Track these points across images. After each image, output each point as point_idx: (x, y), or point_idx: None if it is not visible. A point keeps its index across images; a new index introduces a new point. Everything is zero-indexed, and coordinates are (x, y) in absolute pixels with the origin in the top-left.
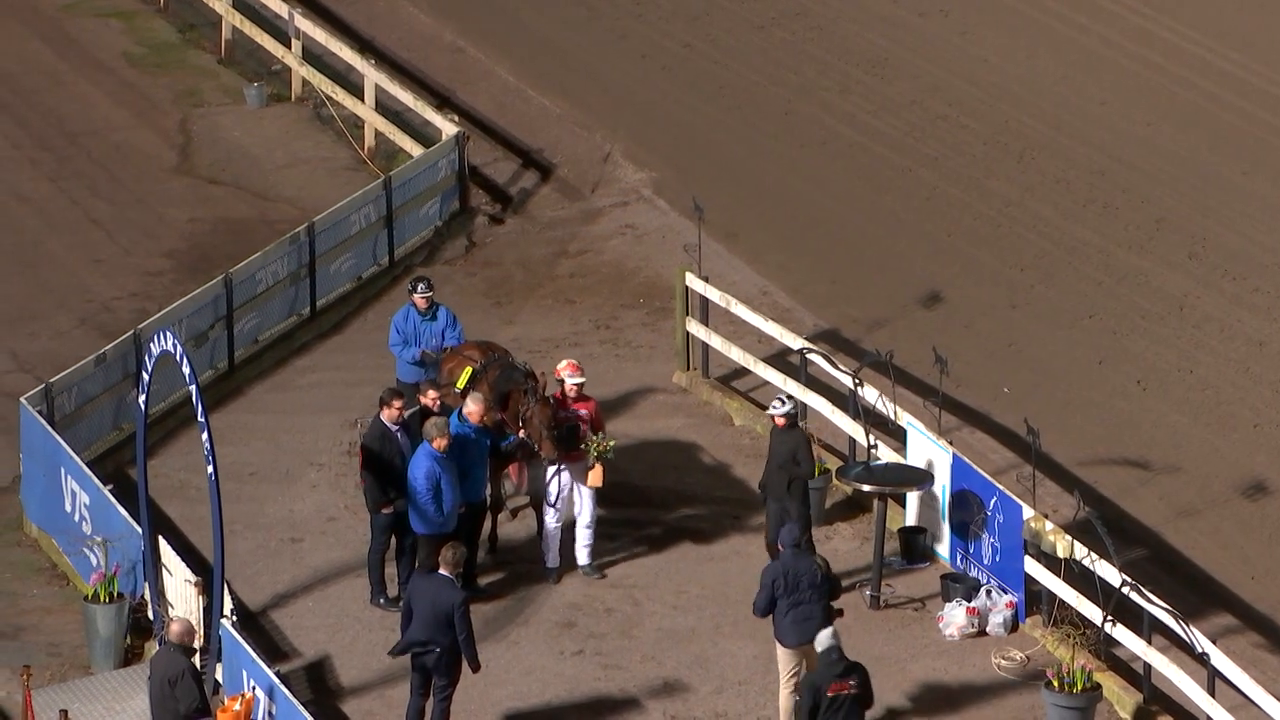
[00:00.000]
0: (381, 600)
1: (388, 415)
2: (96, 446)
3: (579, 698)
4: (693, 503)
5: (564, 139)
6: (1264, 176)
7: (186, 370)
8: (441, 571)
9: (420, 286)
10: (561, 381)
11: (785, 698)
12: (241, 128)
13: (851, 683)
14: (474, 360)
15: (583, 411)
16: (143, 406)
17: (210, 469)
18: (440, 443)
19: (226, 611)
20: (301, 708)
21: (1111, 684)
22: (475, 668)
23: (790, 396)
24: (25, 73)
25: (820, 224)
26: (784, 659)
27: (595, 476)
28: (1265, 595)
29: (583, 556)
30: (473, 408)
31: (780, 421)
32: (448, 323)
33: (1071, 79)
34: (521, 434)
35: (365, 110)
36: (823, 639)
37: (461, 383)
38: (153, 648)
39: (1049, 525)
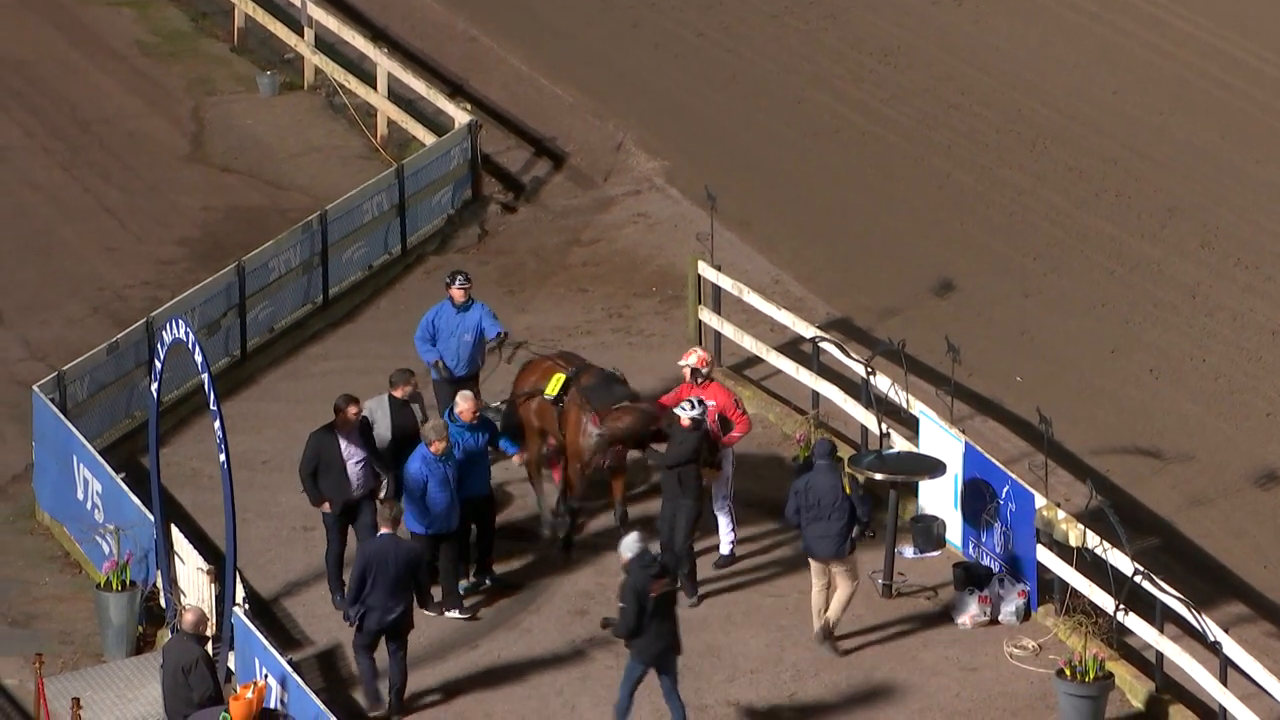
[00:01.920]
0: (338, 599)
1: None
2: (109, 435)
3: (590, 685)
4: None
5: (576, 127)
6: (1277, 165)
7: (199, 358)
8: (385, 530)
9: (459, 279)
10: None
11: (815, 596)
12: (254, 116)
13: (668, 580)
14: (564, 367)
15: (710, 403)
16: (155, 394)
17: (223, 457)
18: (437, 446)
19: (239, 600)
20: (314, 696)
21: (1124, 673)
22: (424, 605)
23: (701, 402)
24: (38, 61)
25: (833, 213)
26: (813, 567)
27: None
28: (1278, 584)
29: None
30: (463, 406)
31: (685, 423)
32: (482, 316)
33: (1084, 67)
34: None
35: (378, 99)
36: (629, 544)
37: (553, 389)
38: (165, 636)
39: (1061, 514)
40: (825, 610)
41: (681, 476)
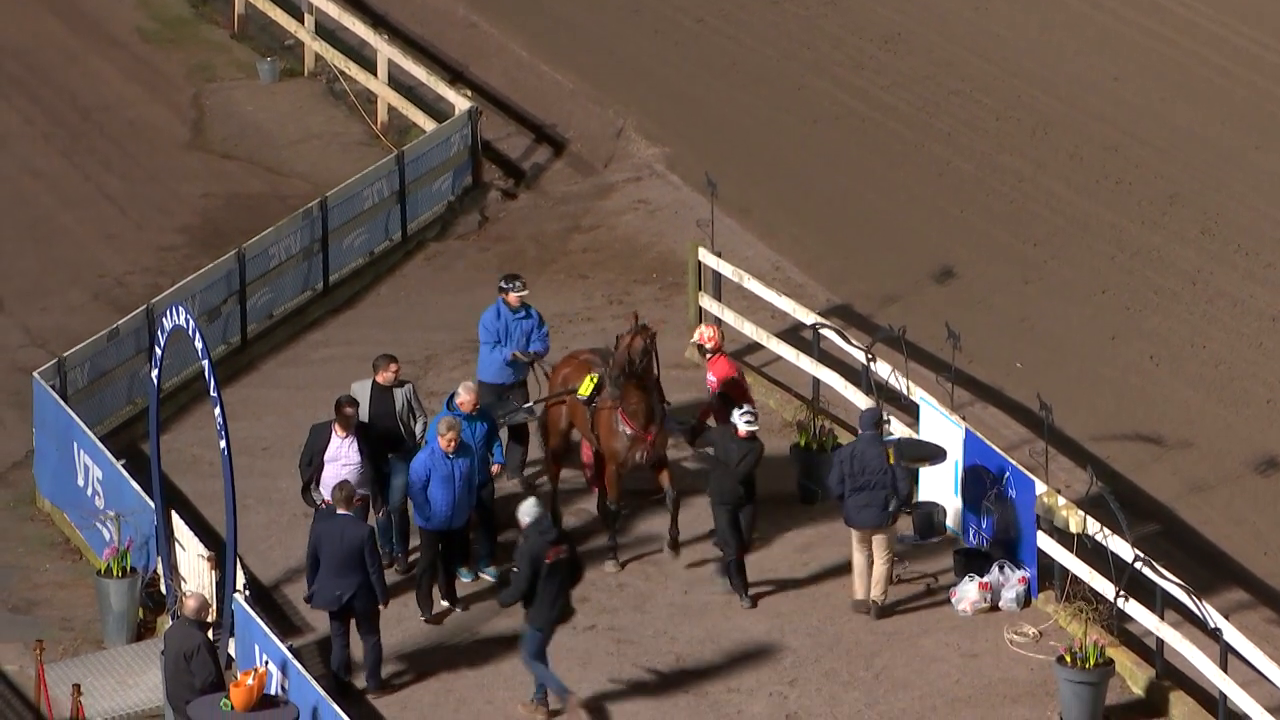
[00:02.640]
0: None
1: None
2: (109, 421)
3: (592, 672)
4: (704, 477)
5: (577, 114)
6: (1277, 152)
7: (199, 345)
8: (341, 511)
9: (516, 284)
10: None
11: (858, 564)
12: (254, 103)
13: (564, 547)
14: (597, 365)
15: (710, 376)
16: (156, 381)
17: (223, 443)
18: (447, 439)
19: (239, 586)
20: (314, 682)
21: (1124, 659)
22: (384, 602)
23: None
24: (38, 48)
25: (833, 199)
26: (854, 537)
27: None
28: (1278, 571)
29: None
30: (464, 396)
31: (743, 434)
32: (537, 323)
33: (1085, 54)
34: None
35: (378, 85)
36: (527, 509)
37: (585, 390)
38: (165, 622)
39: (1061, 500)
40: (868, 584)
41: (745, 481)
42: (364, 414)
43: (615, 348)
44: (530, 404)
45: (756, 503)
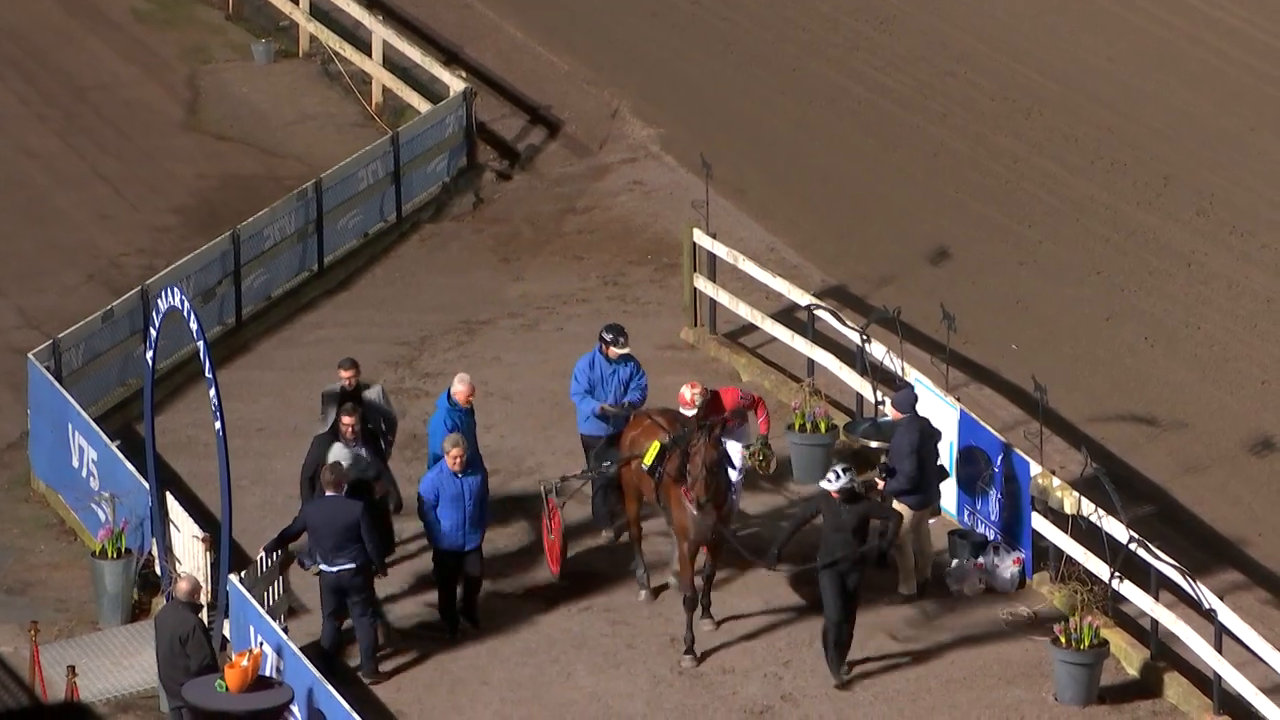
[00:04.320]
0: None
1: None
2: (104, 402)
3: (587, 653)
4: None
5: (572, 95)
6: (1271, 133)
7: (194, 326)
8: (330, 494)
9: (620, 340)
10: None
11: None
12: (249, 84)
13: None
14: (664, 432)
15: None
16: (150, 362)
17: (218, 424)
18: (453, 457)
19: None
20: (309, 663)
21: (1119, 640)
22: (383, 572)
23: (848, 469)
24: (34, 29)
25: (828, 180)
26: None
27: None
28: (1272, 552)
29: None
30: (459, 388)
31: (835, 495)
32: (633, 372)
33: (1079, 35)
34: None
35: (373, 66)
36: (337, 452)
37: (648, 459)
38: (160, 603)
39: (1056, 481)
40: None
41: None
42: (330, 416)
43: (682, 427)
44: (607, 465)
45: (864, 568)
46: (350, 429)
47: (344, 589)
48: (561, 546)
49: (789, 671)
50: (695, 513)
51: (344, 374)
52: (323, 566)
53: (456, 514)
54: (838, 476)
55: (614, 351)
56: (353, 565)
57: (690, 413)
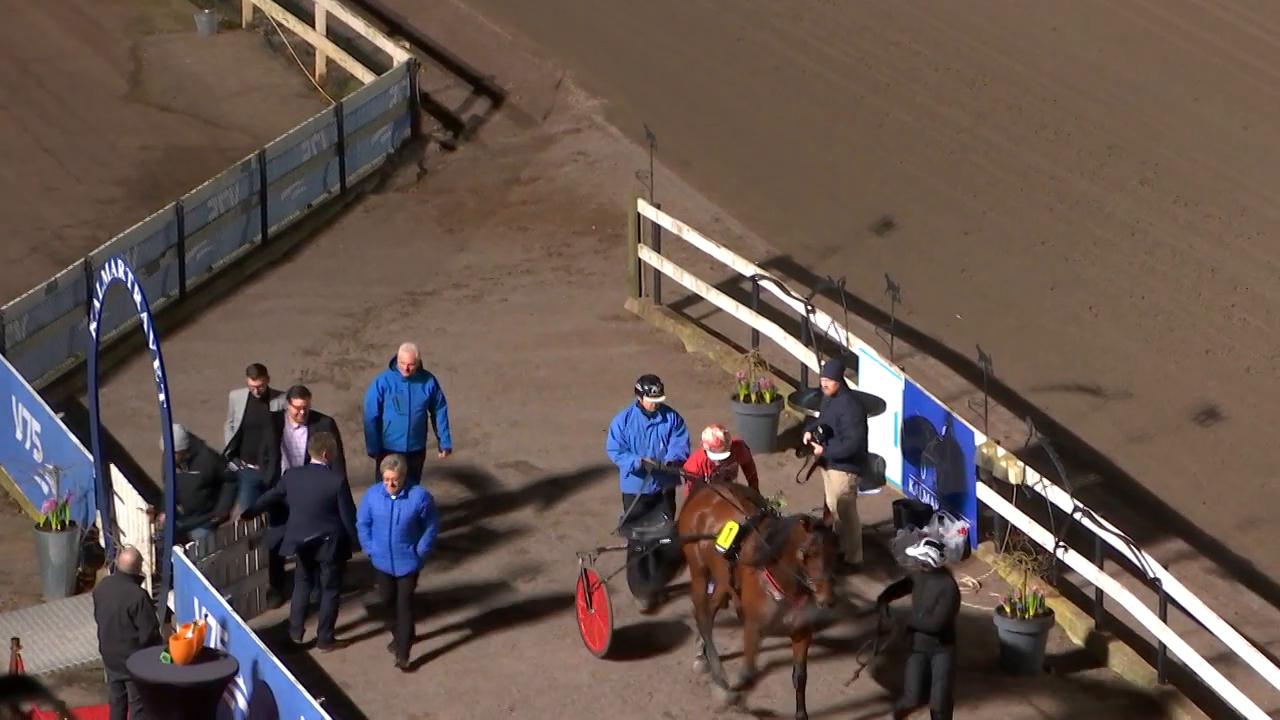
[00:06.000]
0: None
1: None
2: (48, 374)
3: (532, 623)
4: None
5: (516, 66)
6: (1215, 103)
7: (138, 298)
8: (315, 462)
9: (653, 389)
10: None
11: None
12: (192, 55)
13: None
14: (738, 511)
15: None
16: (94, 334)
17: (162, 396)
18: (387, 478)
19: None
20: (254, 635)
21: (1063, 609)
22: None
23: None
24: None
25: (773, 151)
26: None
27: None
28: (1216, 520)
29: None
30: (404, 357)
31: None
32: (674, 427)
33: (1023, 4)
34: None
35: (316, 37)
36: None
37: (726, 541)
38: (105, 575)
39: (1001, 451)
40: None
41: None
42: (238, 420)
43: (756, 505)
44: (665, 533)
45: (954, 652)
46: (299, 411)
47: (315, 559)
48: (608, 623)
49: (734, 643)
50: (777, 598)
51: (252, 382)
52: (295, 539)
53: (384, 536)
54: (931, 546)
55: (649, 402)
56: (326, 536)
57: (720, 455)
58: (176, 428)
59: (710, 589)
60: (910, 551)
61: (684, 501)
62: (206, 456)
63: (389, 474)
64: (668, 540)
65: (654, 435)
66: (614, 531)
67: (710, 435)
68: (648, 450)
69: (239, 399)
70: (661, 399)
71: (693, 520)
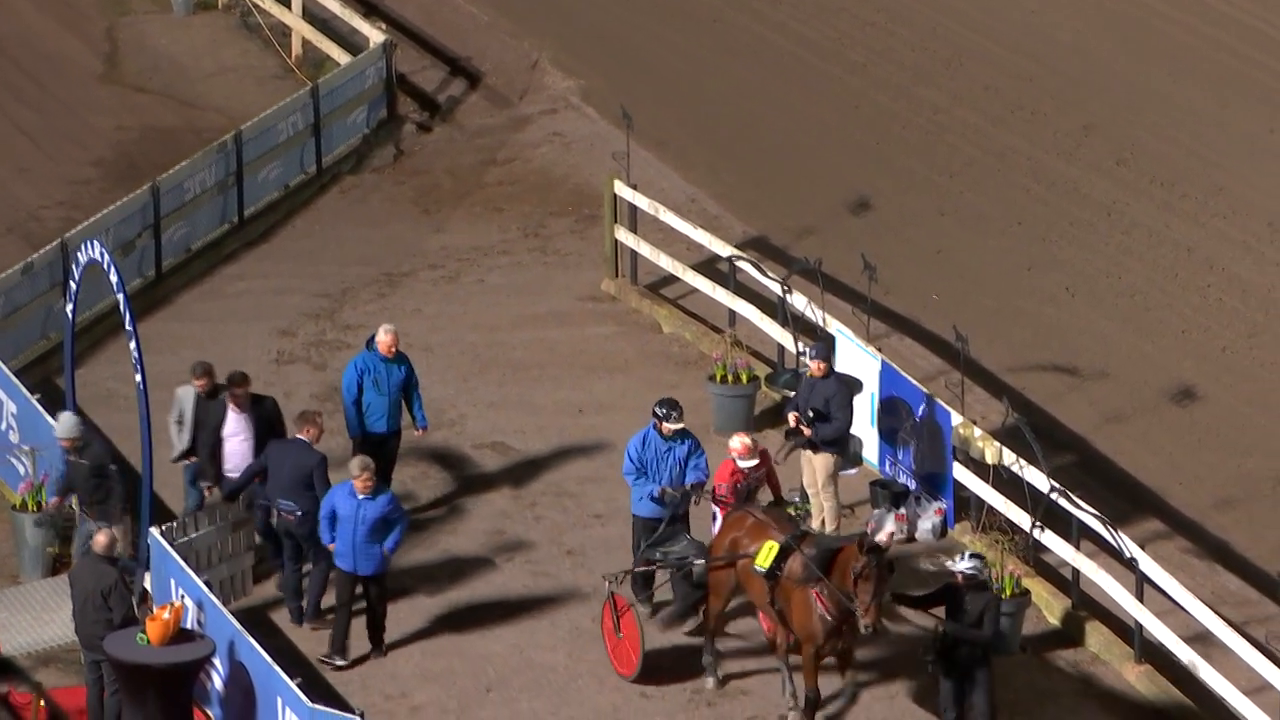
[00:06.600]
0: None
1: (199, 385)
2: (24, 355)
3: (508, 604)
4: (619, 410)
5: (492, 46)
6: (1191, 83)
7: (114, 279)
8: (299, 436)
9: (673, 415)
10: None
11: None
12: (168, 36)
13: None
14: (775, 531)
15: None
16: (71, 315)
17: (139, 377)
18: (358, 481)
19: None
20: (230, 616)
21: (1040, 589)
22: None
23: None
24: None
25: (749, 132)
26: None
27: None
28: (1193, 500)
29: None
30: (383, 338)
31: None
32: (691, 449)
33: None
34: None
35: (292, 18)
36: (65, 417)
37: (766, 561)
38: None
39: (977, 431)
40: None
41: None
42: (188, 418)
43: (795, 526)
44: (690, 551)
45: (991, 672)
46: (239, 399)
47: (293, 534)
48: (639, 648)
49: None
50: (828, 617)
51: (197, 382)
52: (273, 504)
53: (348, 535)
54: (963, 559)
55: (668, 428)
56: (300, 511)
57: (749, 463)
58: (67, 416)
59: (766, 627)
60: (954, 567)
61: (719, 525)
62: (97, 448)
63: (363, 476)
64: (692, 564)
65: (671, 458)
66: (639, 555)
67: (738, 443)
68: (665, 473)
69: (186, 396)
70: (681, 425)
71: (724, 543)
